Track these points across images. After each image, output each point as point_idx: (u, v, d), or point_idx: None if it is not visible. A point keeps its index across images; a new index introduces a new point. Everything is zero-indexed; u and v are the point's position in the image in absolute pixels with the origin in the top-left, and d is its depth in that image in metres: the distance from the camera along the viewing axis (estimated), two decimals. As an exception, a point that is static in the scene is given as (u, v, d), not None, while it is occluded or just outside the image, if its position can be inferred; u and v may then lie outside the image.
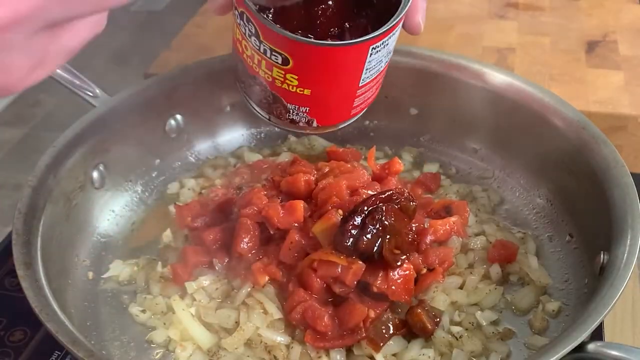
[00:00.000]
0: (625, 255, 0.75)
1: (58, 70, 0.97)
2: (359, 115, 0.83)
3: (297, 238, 0.86)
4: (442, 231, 0.90)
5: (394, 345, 0.81)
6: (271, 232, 0.88)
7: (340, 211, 0.85)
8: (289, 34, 0.70)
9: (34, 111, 3.21)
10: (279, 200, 0.90)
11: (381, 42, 0.72)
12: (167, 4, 3.90)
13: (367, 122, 1.17)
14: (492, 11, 1.54)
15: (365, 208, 0.81)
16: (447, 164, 1.11)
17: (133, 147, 1.05)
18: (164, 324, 0.87)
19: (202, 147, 1.14)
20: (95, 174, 0.99)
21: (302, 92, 0.74)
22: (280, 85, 0.74)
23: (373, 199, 0.82)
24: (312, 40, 0.71)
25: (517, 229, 0.99)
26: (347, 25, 0.76)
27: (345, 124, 0.83)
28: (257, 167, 1.08)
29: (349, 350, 0.81)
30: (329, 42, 0.72)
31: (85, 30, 0.53)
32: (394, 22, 0.71)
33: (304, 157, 1.08)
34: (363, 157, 1.09)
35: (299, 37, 0.70)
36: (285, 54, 0.71)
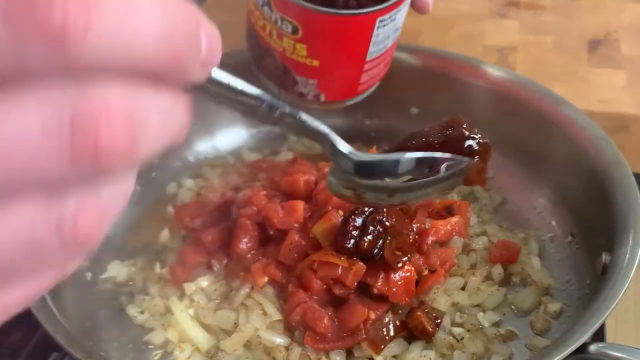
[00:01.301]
0: (628, 255, 0.75)
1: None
2: (366, 93, 0.83)
3: (297, 238, 0.85)
4: (443, 232, 0.90)
5: (394, 346, 0.81)
6: (271, 233, 0.88)
7: (341, 212, 0.84)
8: (299, 0, 0.71)
9: (34, 111, 3.22)
10: (278, 201, 0.90)
11: (388, 15, 0.73)
12: (168, 3, 3.90)
13: (367, 122, 1.17)
14: (493, 10, 1.53)
15: (366, 209, 0.81)
16: (448, 164, 1.11)
17: (132, 147, 1.04)
18: (163, 325, 0.86)
19: (201, 147, 1.14)
20: (94, 174, 0.99)
21: (310, 64, 0.75)
22: (290, 55, 0.75)
23: (374, 199, 0.82)
24: (319, 8, 0.71)
25: (519, 230, 0.98)
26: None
27: (353, 101, 0.84)
28: (256, 166, 1.07)
29: (349, 352, 0.81)
30: (336, 10, 0.73)
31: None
32: None
33: (304, 157, 1.08)
34: (363, 157, 1.08)
35: (307, 4, 0.71)
36: (295, 23, 0.72)
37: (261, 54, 0.78)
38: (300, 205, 0.87)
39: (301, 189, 0.91)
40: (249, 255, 0.88)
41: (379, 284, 0.80)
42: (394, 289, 0.80)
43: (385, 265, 0.80)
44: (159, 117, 0.31)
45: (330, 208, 0.85)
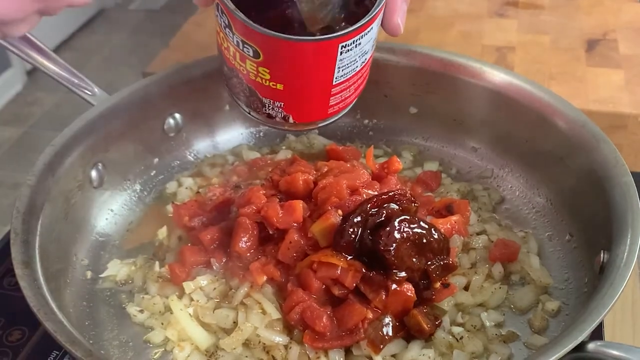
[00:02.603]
0: (626, 254, 0.75)
1: (57, 69, 0.97)
2: (339, 115, 0.82)
3: (296, 238, 0.85)
4: (443, 230, 0.90)
5: (393, 345, 0.81)
6: (270, 232, 0.88)
7: (340, 211, 0.84)
8: (256, 26, 0.69)
9: (32, 110, 3.23)
10: (277, 200, 0.90)
11: (351, 40, 0.71)
12: (165, 3, 3.91)
13: (366, 121, 1.17)
14: (491, 10, 1.54)
15: (366, 208, 0.81)
16: (447, 163, 1.11)
17: (132, 146, 1.05)
18: (162, 324, 0.86)
19: (201, 146, 1.14)
20: (93, 173, 0.99)
21: (274, 87, 0.74)
22: (254, 78, 0.74)
23: (375, 199, 0.82)
24: (278, 33, 0.70)
25: (518, 228, 0.98)
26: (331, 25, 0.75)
27: (325, 123, 0.82)
28: (255, 165, 1.08)
29: (347, 351, 0.81)
30: (295, 36, 0.71)
31: None
32: (364, 22, 0.71)
33: (304, 156, 1.08)
34: (362, 155, 1.08)
35: (266, 30, 0.69)
36: (255, 47, 0.70)
37: (229, 74, 0.77)
38: (299, 205, 0.87)
39: (300, 188, 0.91)
40: (248, 254, 0.88)
41: (377, 300, 0.80)
42: (391, 308, 0.80)
43: (387, 281, 0.80)
44: None
45: (329, 207, 0.85)
